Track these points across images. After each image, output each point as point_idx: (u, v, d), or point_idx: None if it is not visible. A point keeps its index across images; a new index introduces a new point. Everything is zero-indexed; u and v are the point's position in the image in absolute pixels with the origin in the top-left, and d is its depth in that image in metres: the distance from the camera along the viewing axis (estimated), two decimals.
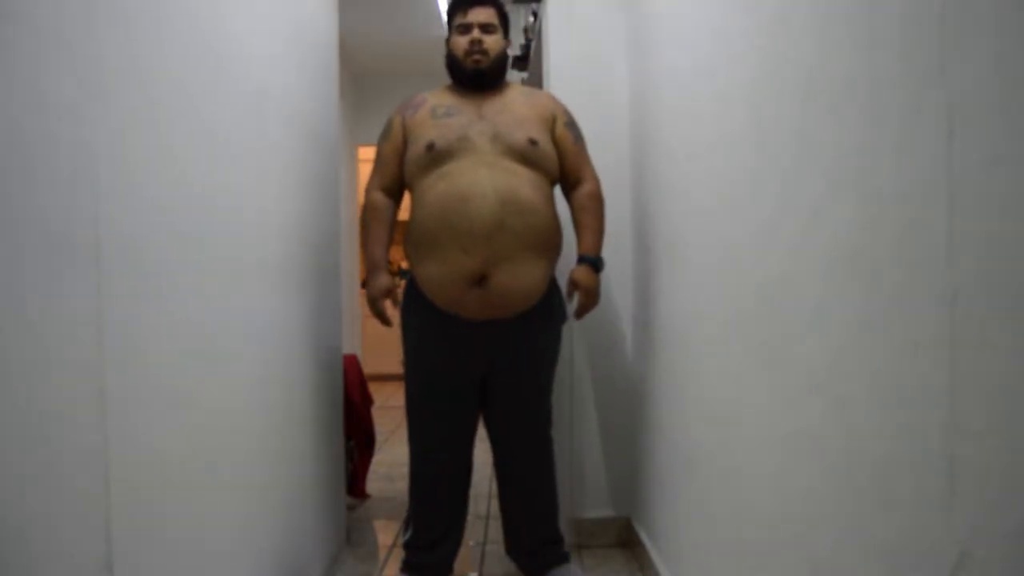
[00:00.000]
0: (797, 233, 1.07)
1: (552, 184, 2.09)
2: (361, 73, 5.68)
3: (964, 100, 0.69)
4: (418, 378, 2.08)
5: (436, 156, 2.00)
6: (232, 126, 1.48)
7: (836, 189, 0.94)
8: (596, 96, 2.51)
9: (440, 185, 1.96)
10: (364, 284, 2.13)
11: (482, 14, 2.11)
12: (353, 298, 5.67)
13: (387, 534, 2.74)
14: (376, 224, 2.11)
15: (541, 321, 2.05)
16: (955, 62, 0.70)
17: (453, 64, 2.14)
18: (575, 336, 2.48)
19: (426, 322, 2.03)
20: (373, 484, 3.35)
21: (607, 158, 2.45)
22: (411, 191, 2.08)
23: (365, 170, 6.79)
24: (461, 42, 2.11)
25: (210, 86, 1.37)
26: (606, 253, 2.18)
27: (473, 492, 2.19)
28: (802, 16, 1.04)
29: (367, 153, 6.73)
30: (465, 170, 1.96)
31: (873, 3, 0.85)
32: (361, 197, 7.20)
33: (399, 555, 2.50)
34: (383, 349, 7.09)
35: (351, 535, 2.68)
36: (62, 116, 0.91)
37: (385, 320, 2.13)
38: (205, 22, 1.35)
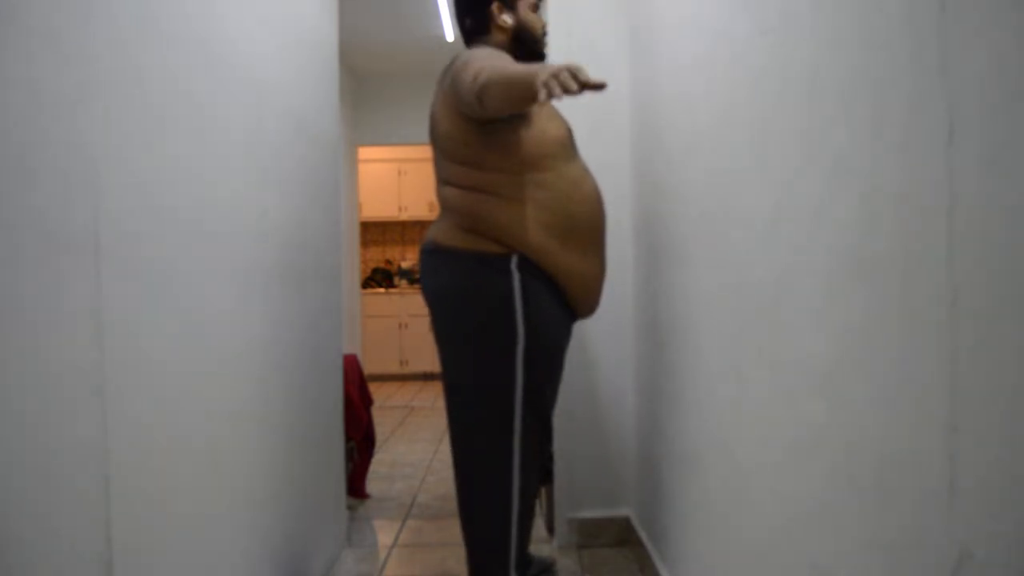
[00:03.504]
0: (798, 233, 1.07)
1: None
2: (361, 73, 5.68)
3: (964, 100, 0.69)
4: (553, 375, 1.88)
5: (572, 146, 1.88)
6: (231, 126, 1.48)
7: (837, 189, 0.94)
8: (597, 96, 2.51)
9: (589, 181, 1.86)
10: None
11: None
12: (353, 298, 5.66)
13: (387, 534, 2.74)
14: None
15: None
16: (955, 62, 0.70)
17: (529, 39, 1.95)
18: (576, 336, 2.48)
19: (559, 319, 1.85)
20: (373, 484, 3.35)
21: (608, 158, 2.45)
22: (533, 169, 1.77)
23: (365, 170, 6.84)
24: (539, 22, 1.99)
25: (209, 86, 1.37)
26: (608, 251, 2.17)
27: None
28: (804, 16, 1.04)
29: (367, 153, 6.74)
30: (586, 168, 1.90)
31: (875, 3, 0.85)
32: (361, 197, 7.17)
33: (399, 555, 2.51)
34: (383, 349, 7.10)
35: (351, 535, 2.68)
36: (61, 116, 0.91)
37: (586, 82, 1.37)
38: (203, 22, 1.35)
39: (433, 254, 1.83)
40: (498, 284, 1.75)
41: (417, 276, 7.24)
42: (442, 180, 1.86)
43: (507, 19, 1.94)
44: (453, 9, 2.01)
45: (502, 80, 1.55)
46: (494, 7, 1.94)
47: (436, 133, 1.85)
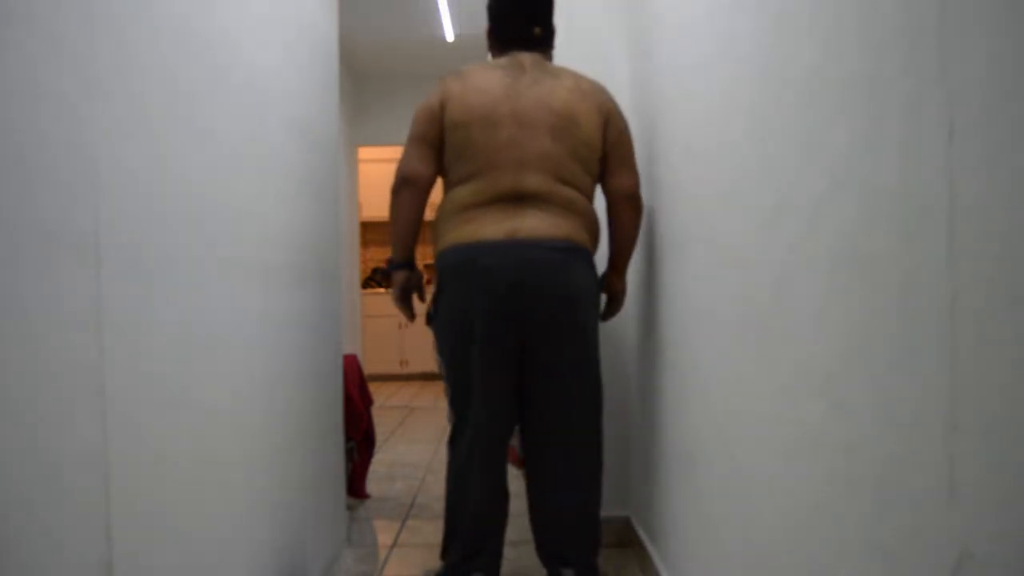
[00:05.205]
0: (798, 232, 1.07)
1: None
2: (361, 73, 5.68)
3: (964, 100, 0.69)
4: None
5: None
6: (231, 126, 1.48)
7: (837, 189, 0.94)
8: None
9: None
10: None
11: None
12: (354, 298, 5.66)
13: (387, 534, 2.74)
14: None
15: None
16: (955, 62, 0.70)
17: None
18: None
19: None
20: (373, 484, 3.35)
21: None
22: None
23: (365, 170, 6.84)
24: None
25: (209, 86, 1.37)
26: (604, 251, 2.18)
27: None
28: (804, 16, 1.04)
29: (367, 153, 6.74)
30: None
31: (874, 3, 0.85)
32: (361, 198, 7.15)
33: (399, 555, 2.51)
34: (383, 349, 7.10)
35: (351, 535, 2.68)
36: (62, 117, 0.91)
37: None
38: (203, 22, 1.35)
39: (576, 252, 1.99)
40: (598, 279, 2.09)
41: None
42: (564, 181, 1.98)
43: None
44: (525, 13, 2.10)
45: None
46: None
47: (571, 133, 1.97)
